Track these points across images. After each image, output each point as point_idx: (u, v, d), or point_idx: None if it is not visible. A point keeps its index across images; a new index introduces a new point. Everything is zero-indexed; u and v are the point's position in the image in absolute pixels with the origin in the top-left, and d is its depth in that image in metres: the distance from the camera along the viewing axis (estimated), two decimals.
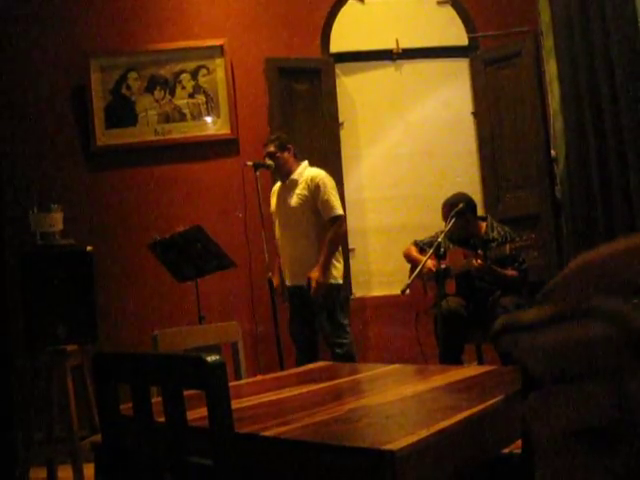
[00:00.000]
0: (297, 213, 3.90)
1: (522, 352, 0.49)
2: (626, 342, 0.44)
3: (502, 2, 4.67)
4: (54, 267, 3.50)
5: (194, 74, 4.62)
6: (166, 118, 4.60)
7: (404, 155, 4.83)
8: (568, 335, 0.46)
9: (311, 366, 2.45)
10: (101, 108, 4.56)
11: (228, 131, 4.59)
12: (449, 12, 4.80)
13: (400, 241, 4.27)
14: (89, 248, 3.60)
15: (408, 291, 3.25)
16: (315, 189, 3.87)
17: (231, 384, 1.35)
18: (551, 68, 4.07)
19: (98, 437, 1.61)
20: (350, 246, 4.64)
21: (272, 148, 3.95)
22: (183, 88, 4.62)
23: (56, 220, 3.72)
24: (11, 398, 2.99)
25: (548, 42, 4.07)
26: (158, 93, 4.61)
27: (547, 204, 4.34)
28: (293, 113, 4.63)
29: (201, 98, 4.61)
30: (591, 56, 3.87)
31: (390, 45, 4.79)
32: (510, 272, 3.75)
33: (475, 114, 4.80)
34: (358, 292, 4.68)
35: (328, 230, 3.85)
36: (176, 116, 4.60)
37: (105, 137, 4.56)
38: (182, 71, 4.62)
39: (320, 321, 3.85)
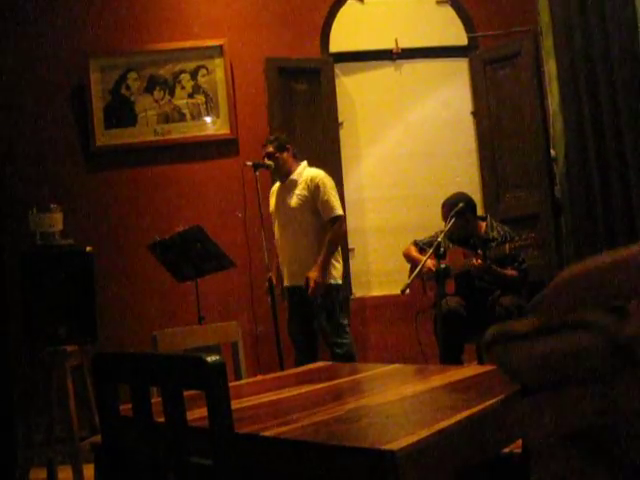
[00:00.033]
0: (296, 213, 3.90)
1: (513, 361, 0.51)
2: (612, 352, 0.46)
3: (501, 2, 4.67)
4: (54, 267, 3.50)
5: (194, 74, 4.62)
6: (166, 118, 4.60)
7: (404, 155, 4.83)
8: (557, 345, 0.48)
9: (311, 366, 2.45)
10: (100, 108, 4.56)
11: (228, 131, 4.59)
12: (448, 12, 4.80)
13: (400, 241, 4.26)
14: (89, 248, 3.60)
15: (408, 291, 3.25)
16: (315, 189, 3.87)
17: (231, 384, 1.35)
18: (550, 68, 4.07)
19: (98, 438, 1.61)
20: (350, 246, 4.64)
21: (271, 148, 3.95)
22: (183, 88, 4.62)
23: (56, 220, 3.72)
24: (11, 398, 2.99)
25: (547, 42, 4.08)
26: (158, 93, 4.61)
27: (547, 204, 4.34)
28: (293, 113, 4.63)
29: (201, 98, 4.61)
30: (591, 56, 3.87)
31: (389, 45, 4.79)
32: (510, 272, 3.75)
33: (474, 114, 4.79)
34: (358, 292, 4.68)
35: (328, 230, 3.84)
36: (176, 116, 4.60)
37: (105, 137, 4.56)
38: (182, 71, 4.62)
39: (320, 321, 3.85)
